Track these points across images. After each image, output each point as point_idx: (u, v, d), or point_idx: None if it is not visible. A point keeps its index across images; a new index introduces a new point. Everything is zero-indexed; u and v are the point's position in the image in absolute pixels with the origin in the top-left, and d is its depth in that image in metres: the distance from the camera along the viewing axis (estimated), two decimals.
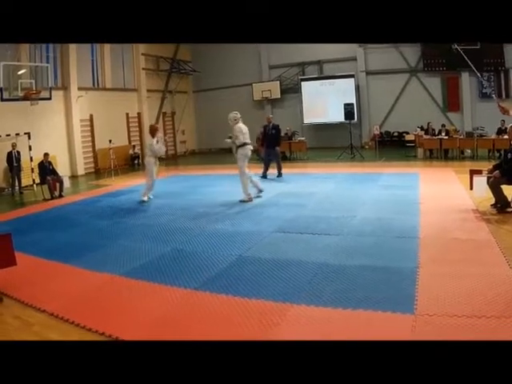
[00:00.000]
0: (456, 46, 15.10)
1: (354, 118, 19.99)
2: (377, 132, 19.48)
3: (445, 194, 9.45)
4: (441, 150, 16.57)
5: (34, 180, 14.73)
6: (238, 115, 10.20)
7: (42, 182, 12.98)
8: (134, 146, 21.63)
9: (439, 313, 3.92)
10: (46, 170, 12.90)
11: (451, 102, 21.21)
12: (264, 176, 13.21)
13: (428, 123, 18.21)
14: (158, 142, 10.81)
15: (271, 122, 14.19)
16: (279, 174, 13.52)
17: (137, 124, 22.64)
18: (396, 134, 22.09)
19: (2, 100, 14.14)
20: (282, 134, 16.31)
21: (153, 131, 11.03)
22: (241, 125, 10.11)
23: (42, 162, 13.01)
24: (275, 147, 13.71)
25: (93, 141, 19.79)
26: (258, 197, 10.16)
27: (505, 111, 7.73)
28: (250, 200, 9.84)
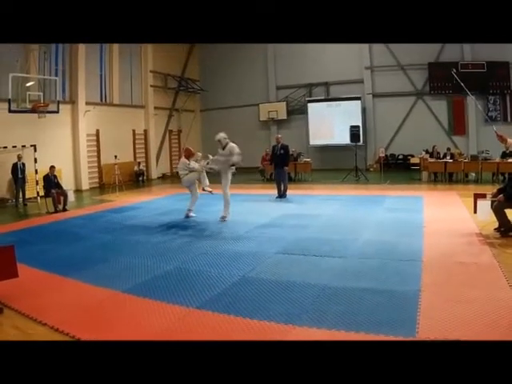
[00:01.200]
0: (453, 72, 15.05)
1: (359, 141, 20.02)
2: (382, 154, 19.51)
3: (449, 218, 9.43)
4: (445, 173, 16.63)
5: (38, 192, 14.67)
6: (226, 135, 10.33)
7: (47, 194, 12.96)
8: (139, 163, 21.72)
9: (441, 336, 3.89)
10: (51, 182, 12.91)
11: (457, 125, 21.30)
12: (280, 196, 13.34)
13: (433, 146, 18.27)
14: (197, 161, 10.70)
15: (280, 141, 14.06)
16: (283, 195, 13.49)
17: (143, 141, 22.77)
18: (401, 156, 22.17)
19: (10, 111, 14.26)
20: None
21: (188, 155, 10.70)
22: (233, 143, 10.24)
23: (47, 174, 13.03)
24: (283, 167, 13.71)
25: (98, 156, 19.93)
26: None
27: (502, 140, 7.72)
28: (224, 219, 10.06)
